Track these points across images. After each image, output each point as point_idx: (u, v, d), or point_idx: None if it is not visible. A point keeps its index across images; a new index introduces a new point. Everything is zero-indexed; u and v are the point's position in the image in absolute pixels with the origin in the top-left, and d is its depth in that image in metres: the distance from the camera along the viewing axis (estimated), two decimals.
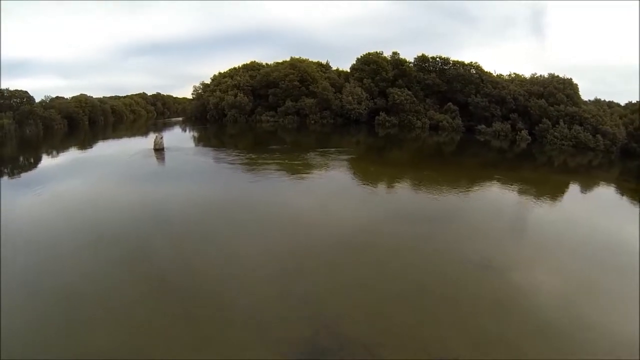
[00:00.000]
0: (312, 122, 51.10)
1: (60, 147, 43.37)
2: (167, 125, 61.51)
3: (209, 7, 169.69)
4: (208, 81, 65.71)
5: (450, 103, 52.21)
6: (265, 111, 54.96)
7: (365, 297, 8.48)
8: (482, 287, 9.73)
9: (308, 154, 27.81)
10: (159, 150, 31.76)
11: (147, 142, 37.14)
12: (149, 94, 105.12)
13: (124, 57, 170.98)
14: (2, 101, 57.85)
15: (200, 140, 41.00)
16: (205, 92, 62.65)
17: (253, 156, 29.19)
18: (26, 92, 61.84)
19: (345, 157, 28.23)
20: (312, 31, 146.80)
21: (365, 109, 51.26)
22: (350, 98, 50.91)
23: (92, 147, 41.43)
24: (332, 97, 51.92)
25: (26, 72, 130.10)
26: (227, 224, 13.24)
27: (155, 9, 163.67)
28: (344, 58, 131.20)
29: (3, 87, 59.94)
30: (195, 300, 8.22)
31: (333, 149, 31.54)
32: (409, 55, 57.07)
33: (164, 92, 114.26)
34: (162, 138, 31.91)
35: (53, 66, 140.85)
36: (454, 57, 56.38)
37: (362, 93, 51.18)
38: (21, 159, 35.96)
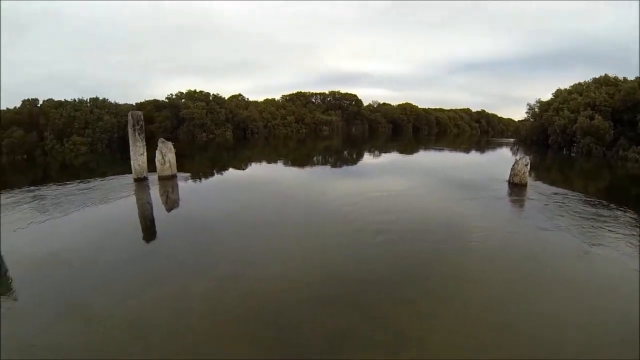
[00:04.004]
0: None
1: (383, 147, 40.72)
2: (492, 145, 51.29)
3: (535, 28, 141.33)
4: (545, 99, 49.02)
5: None
6: (631, 144, 30.98)
7: None
8: None
9: None
10: (519, 186, 14.51)
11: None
12: (473, 110, 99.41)
13: (448, 74, 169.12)
14: (334, 102, 65.50)
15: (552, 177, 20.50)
16: (547, 110, 45.77)
17: None
18: (355, 95, 67.02)
19: None
20: None
21: None
22: None
23: (411, 155, 33.53)
24: None
25: (361, 83, 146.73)
26: None
27: (478, 29, 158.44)
28: None
29: (334, 89, 67.23)
30: None
31: None
32: None
33: (487, 111, 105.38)
34: (527, 165, 14.80)
35: (384, 78, 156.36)
36: None
37: None
38: (345, 153, 34.77)
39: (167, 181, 14.17)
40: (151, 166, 14.72)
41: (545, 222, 9.58)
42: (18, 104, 32.99)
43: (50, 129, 30.98)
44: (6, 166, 25.12)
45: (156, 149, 14.67)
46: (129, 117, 14.12)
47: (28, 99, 33.32)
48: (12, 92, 69.31)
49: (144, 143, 14.32)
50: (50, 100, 33.91)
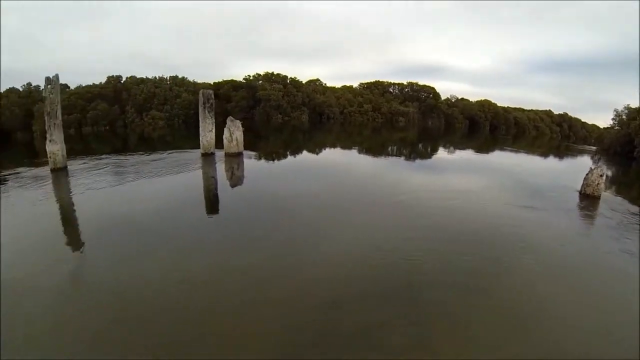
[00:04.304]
0: None
1: (458, 144, 38.48)
2: (571, 152, 45.40)
3: (631, 28, 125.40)
4: (635, 105, 41.39)
5: None
6: None
7: None
8: None
9: None
10: (591, 197, 12.72)
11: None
12: (554, 113, 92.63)
13: (529, 72, 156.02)
14: (411, 93, 63.79)
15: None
16: (635, 119, 39.97)
17: None
18: (433, 88, 64.85)
19: None
20: None
21: None
22: None
23: (486, 155, 31.59)
24: None
25: (440, 75, 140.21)
26: None
27: (563, 25, 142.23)
28: None
29: (413, 81, 65.73)
30: None
31: None
32: None
33: (570, 114, 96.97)
34: (602, 175, 12.73)
35: (463, 73, 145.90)
36: None
37: None
38: (419, 146, 33.02)
39: (233, 158, 14.15)
40: (220, 143, 14.75)
41: (611, 242, 8.00)
42: (103, 80, 35.84)
43: (132, 103, 33.15)
44: (90, 136, 27.13)
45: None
46: (200, 96, 14.34)
47: (113, 76, 36.00)
48: (99, 69, 77.32)
49: (213, 120, 14.51)
50: (132, 77, 36.30)
